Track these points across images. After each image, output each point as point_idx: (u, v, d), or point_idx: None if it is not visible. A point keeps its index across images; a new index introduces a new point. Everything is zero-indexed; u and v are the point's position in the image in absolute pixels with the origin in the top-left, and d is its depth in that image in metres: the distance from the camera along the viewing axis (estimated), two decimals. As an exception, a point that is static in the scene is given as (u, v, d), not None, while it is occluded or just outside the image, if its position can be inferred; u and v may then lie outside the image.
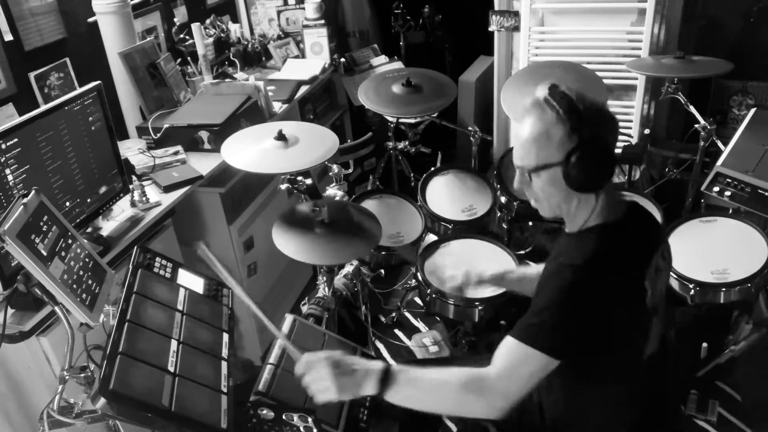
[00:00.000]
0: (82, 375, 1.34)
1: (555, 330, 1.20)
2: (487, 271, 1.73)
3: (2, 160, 1.50)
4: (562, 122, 1.21)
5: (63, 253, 1.28)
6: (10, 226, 1.15)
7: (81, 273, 1.32)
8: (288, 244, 1.76)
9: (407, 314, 2.83)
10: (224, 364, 1.40)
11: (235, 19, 3.44)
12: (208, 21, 3.15)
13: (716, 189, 2.08)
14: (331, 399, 1.25)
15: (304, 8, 3.34)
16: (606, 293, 1.21)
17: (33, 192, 1.27)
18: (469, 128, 2.70)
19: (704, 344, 2.22)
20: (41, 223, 1.26)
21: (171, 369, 1.28)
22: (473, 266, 1.74)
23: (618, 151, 2.67)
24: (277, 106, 2.78)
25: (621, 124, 3.03)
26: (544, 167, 1.25)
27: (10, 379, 1.72)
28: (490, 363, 1.24)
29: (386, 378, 1.24)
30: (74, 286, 1.28)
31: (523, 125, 1.27)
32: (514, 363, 1.21)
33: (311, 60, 3.35)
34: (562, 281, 1.21)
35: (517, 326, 1.24)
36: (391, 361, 1.27)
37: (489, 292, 1.95)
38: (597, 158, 1.22)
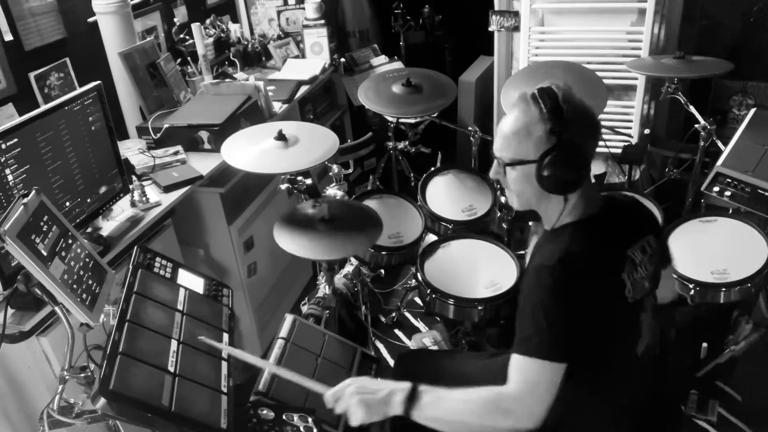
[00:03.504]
0: (82, 375, 1.34)
1: (554, 335, 1.19)
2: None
3: (2, 160, 1.50)
4: (544, 121, 1.22)
5: (63, 253, 1.28)
6: (11, 226, 1.15)
7: (81, 273, 1.32)
8: (289, 241, 1.76)
9: (407, 314, 2.83)
10: (224, 364, 1.41)
11: (235, 19, 3.44)
12: (208, 21, 3.15)
13: (716, 189, 2.08)
14: (364, 422, 1.26)
15: (304, 8, 3.34)
16: (584, 289, 1.22)
17: (33, 192, 1.27)
18: (469, 128, 2.69)
19: (704, 344, 2.22)
20: (41, 223, 1.25)
21: (171, 369, 1.28)
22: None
23: (618, 151, 2.68)
24: (277, 106, 2.78)
25: (621, 124, 3.07)
26: (519, 162, 1.27)
27: (10, 379, 1.71)
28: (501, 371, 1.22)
29: (412, 397, 1.24)
30: (74, 286, 1.28)
31: (507, 117, 1.29)
32: (531, 381, 1.20)
33: (311, 60, 3.35)
34: (541, 283, 1.22)
35: (517, 340, 1.23)
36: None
37: (489, 292, 1.95)
38: (571, 163, 1.23)
